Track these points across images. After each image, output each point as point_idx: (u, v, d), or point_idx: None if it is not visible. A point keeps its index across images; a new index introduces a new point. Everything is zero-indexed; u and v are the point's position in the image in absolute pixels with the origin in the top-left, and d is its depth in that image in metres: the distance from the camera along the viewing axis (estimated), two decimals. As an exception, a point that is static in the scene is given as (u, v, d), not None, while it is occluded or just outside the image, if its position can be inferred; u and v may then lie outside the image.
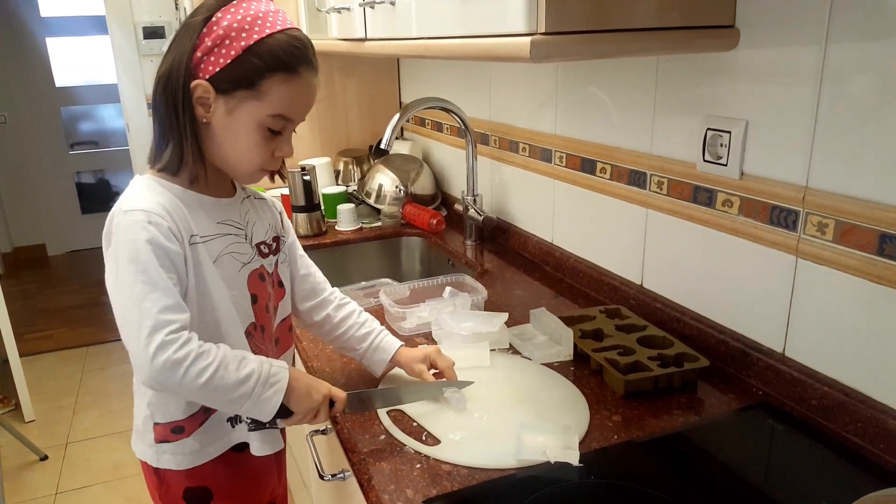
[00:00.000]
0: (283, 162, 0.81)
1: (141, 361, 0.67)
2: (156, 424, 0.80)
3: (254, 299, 0.81)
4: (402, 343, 0.93)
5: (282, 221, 0.90)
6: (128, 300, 0.68)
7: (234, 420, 0.82)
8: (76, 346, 2.95)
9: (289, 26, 0.73)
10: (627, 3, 0.74)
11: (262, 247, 0.83)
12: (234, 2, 0.71)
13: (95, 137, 4.25)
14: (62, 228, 4.17)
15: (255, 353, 0.80)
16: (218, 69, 0.70)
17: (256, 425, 0.77)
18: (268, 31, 0.71)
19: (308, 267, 0.93)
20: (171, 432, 0.80)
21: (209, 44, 0.70)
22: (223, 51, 0.70)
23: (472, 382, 0.88)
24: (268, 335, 0.85)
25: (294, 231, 0.93)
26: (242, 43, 0.70)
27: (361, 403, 0.82)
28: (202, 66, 0.71)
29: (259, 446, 0.82)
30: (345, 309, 0.94)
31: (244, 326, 0.80)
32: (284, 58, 0.71)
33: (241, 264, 0.79)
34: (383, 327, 0.94)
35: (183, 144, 0.73)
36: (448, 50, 0.91)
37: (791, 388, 0.84)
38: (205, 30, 0.70)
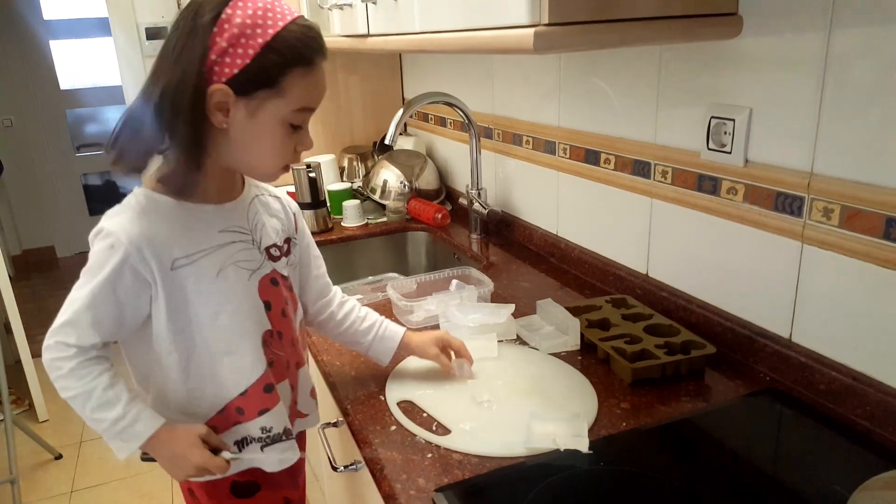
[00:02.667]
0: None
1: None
2: None
3: (267, 306, 0.79)
4: (405, 328, 0.93)
5: (296, 223, 0.87)
6: (71, 292, 0.72)
7: (242, 444, 0.80)
8: (87, 346, 2.98)
9: (296, 14, 0.70)
10: (629, -7, 0.75)
11: (272, 250, 0.81)
12: None
13: (101, 139, 4.26)
14: (71, 230, 4.20)
15: (273, 360, 0.80)
16: (236, 70, 0.66)
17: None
18: (280, 24, 0.67)
19: (320, 267, 0.93)
20: None
21: (223, 45, 0.65)
22: (239, 50, 0.66)
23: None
24: (287, 339, 0.83)
25: (309, 232, 0.92)
26: (259, 40, 0.66)
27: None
28: (216, 69, 0.66)
29: (278, 461, 0.82)
30: (346, 305, 0.94)
31: (258, 335, 0.78)
32: (303, 50, 0.68)
33: (249, 272, 0.77)
34: (384, 317, 0.95)
35: (195, 156, 0.69)
36: (451, 43, 0.91)
37: (799, 373, 0.84)
38: (216, 29, 0.65)
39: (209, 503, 0.85)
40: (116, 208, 0.74)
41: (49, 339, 0.72)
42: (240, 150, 0.72)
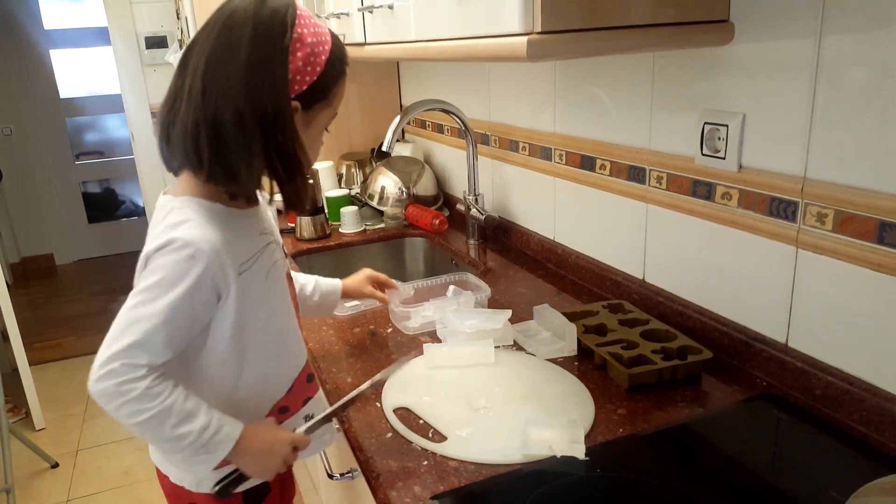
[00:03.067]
0: None
1: (90, 376, 0.66)
2: None
3: (291, 300, 0.82)
4: (339, 280, 1.03)
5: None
6: (125, 313, 0.67)
7: None
8: (85, 354, 2.97)
9: (323, 25, 0.73)
10: (622, 1, 0.75)
11: (284, 247, 0.84)
12: (295, 12, 0.68)
13: (101, 147, 4.29)
14: (69, 238, 4.21)
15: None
16: (305, 87, 0.69)
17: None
18: (328, 38, 0.70)
19: None
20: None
21: (300, 64, 0.67)
22: (309, 68, 0.68)
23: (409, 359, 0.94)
24: (300, 331, 0.86)
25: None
26: (323, 57, 0.69)
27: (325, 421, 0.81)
28: (289, 86, 0.68)
29: (319, 444, 0.84)
30: None
31: (297, 331, 0.82)
32: (345, 61, 0.72)
33: (283, 271, 0.80)
34: (313, 275, 1.02)
35: (288, 169, 0.70)
36: (447, 52, 0.91)
37: (795, 378, 0.84)
38: (291, 48, 0.67)
39: None
40: (174, 219, 0.69)
41: (111, 364, 0.64)
42: None
